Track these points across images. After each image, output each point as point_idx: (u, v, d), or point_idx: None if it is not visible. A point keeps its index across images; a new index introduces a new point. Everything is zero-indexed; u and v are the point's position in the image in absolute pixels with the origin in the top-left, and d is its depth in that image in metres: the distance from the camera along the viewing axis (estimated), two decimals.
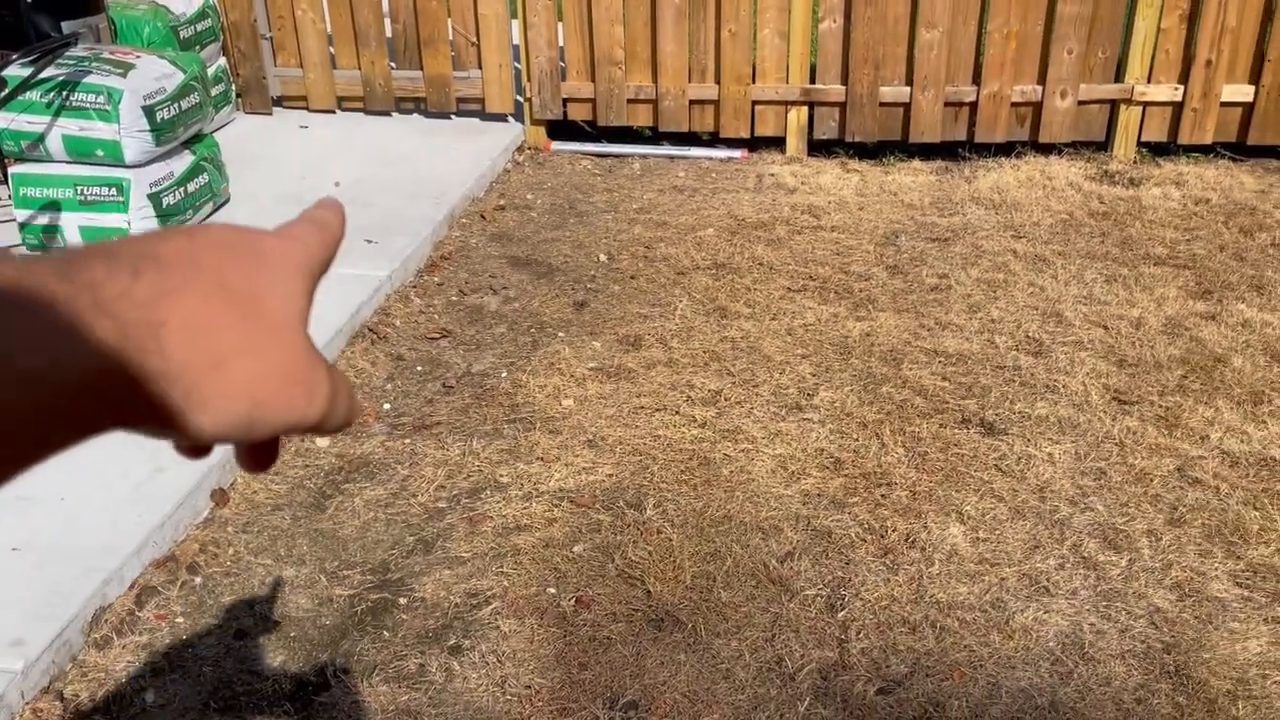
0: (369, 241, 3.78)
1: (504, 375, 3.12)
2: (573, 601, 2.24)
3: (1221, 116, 4.62)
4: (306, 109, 5.15)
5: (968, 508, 2.51)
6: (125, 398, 0.36)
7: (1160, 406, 2.89)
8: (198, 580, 2.29)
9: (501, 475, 2.65)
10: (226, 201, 4.06)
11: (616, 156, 4.95)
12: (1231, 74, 4.55)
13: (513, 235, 4.11)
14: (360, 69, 5.03)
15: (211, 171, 3.90)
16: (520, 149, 4.97)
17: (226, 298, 0.38)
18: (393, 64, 5.04)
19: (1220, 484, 2.57)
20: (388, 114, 5.15)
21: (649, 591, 2.26)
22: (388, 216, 4.00)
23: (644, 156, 4.95)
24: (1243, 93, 4.57)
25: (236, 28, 5.00)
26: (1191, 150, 4.74)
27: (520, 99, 5.02)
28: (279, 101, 5.19)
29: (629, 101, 4.87)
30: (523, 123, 5.02)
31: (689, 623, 2.18)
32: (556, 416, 2.90)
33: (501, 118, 5.10)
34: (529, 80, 4.88)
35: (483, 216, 4.26)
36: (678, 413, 2.91)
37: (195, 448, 0.41)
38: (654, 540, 2.42)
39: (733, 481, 2.63)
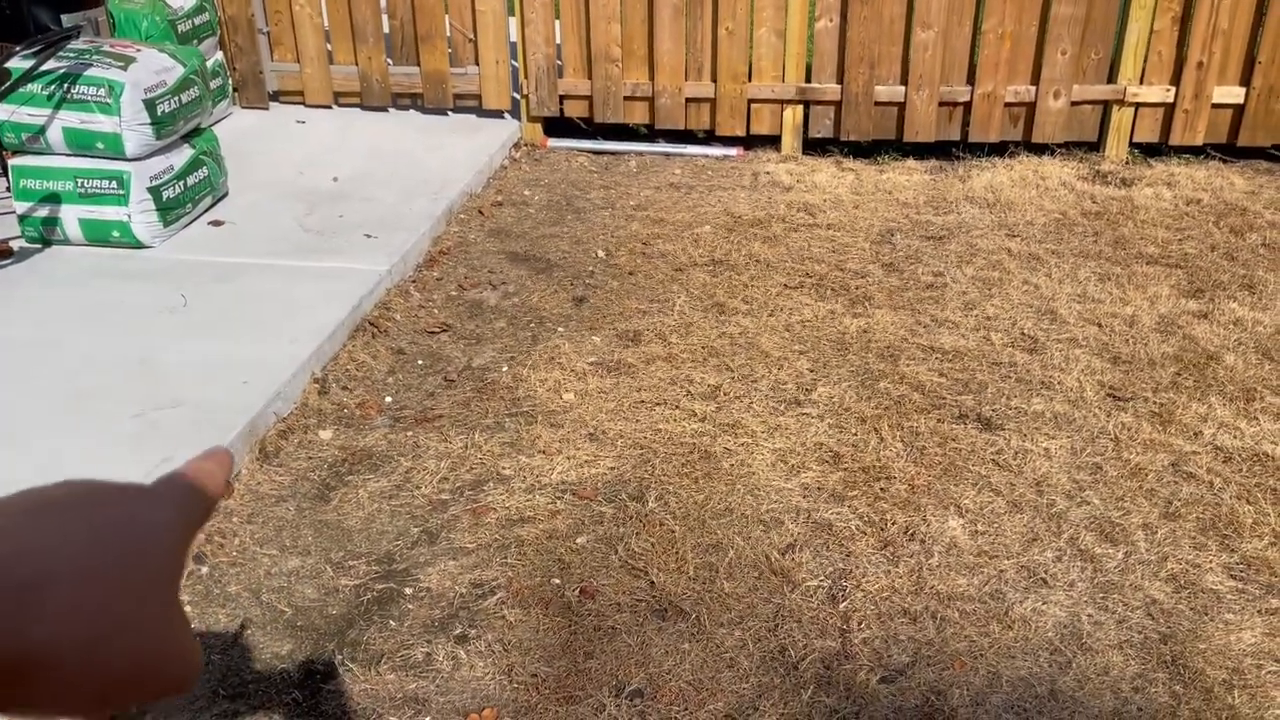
0: (368, 236, 3.79)
1: (505, 369, 3.13)
2: (577, 591, 2.26)
3: (1212, 118, 4.67)
4: (303, 104, 5.15)
5: (966, 501, 2.54)
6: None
7: (1154, 403, 2.93)
8: (204, 570, 2.30)
9: (504, 467, 2.67)
10: (225, 195, 4.07)
11: (613, 154, 4.97)
12: (1223, 76, 4.60)
13: (511, 231, 4.13)
14: (357, 64, 5.04)
15: (211, 165, 3.90)
16: (517, 146, 4.99)
17: (99, 580, 0.38)
18: (390, 60, 5.05)
19: (1214, 479, 2.60)
20: (385, 110, 5.16)
21: (653, 582, 2.29)
22: (386, 212, 4.01)
23: (640, 154, 4.97)
24: (1233, 94, 4.62)
25: (234, 22, 5.00)
26: (1183, 151, 4.79)
27: (517, 96, 5.04)
28: (276, 96, 5.19)
29: (625, 99, 4.89)
30: (519, 119, 5.04)
31: (693, 613, 2.20)
32: (558, 410, 2.92)
33: (498, 114, 5.12)
34: (526, 77, 4.90)
35: (481, 212, 4.28)
36: (678, 407, 2.93)
37: None
38: (656, 532, 2.44)
39: (733, 475, 2.65)
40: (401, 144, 4.77)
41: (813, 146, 4.97)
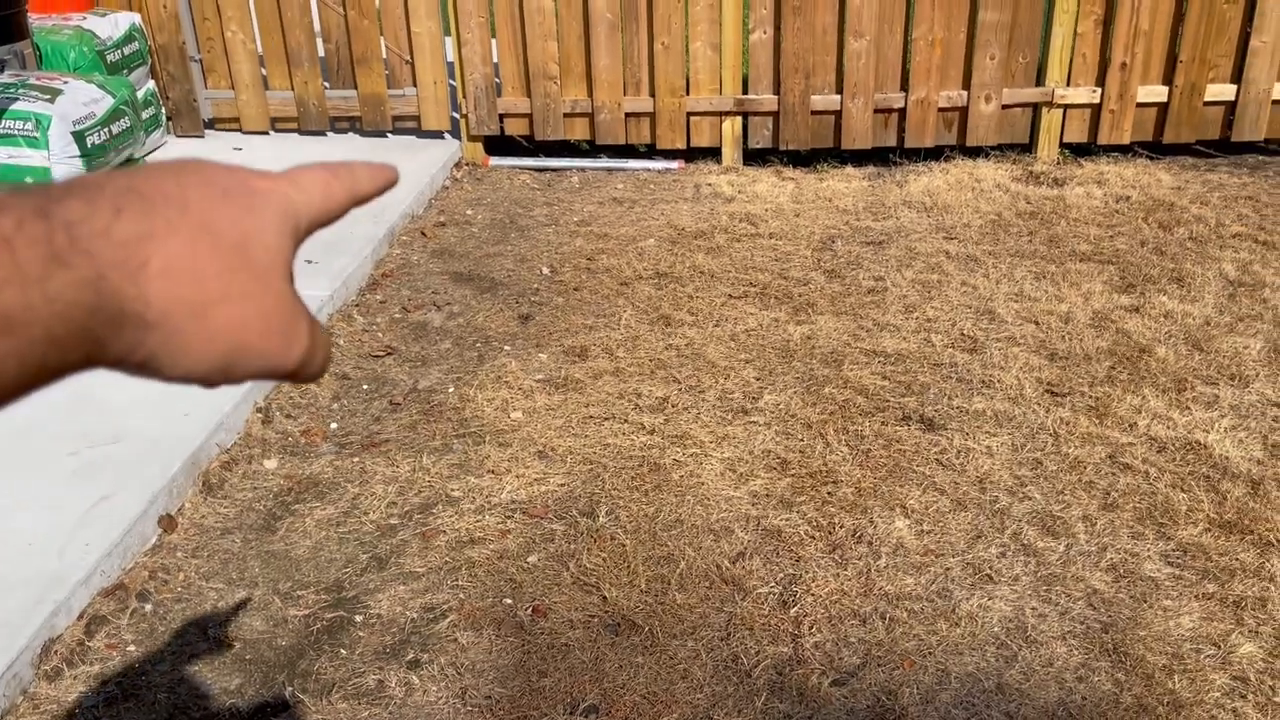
0: (309, 262, 3.75)
1: (451, 390, 3.12)
2: (530, 611, 2.26)
3: (1138, 117, 4.80)
4: (240, 131, 5.10)
5: (911, 501, 2.58)
6: (99, 340, 0.35)
7: (1090, 397, 3.00)
8: (148, 607, 2.26)
9: (453, 489, 2.66)
10: None
11: (555, 170, 4.99)
12: (1146, 75, 4.73)
13: (454, 251, 4.12)
14: (293, 89, 5.00)
15: None
16: (458, 165, 4.98)
17: (211, 243, 0.38)
18: (326, 84, 5.03)
19: (1149, 469, 2.67)
20: (323, 134, 5.13)
21: (605, 597, 2.29)
22: (327, 236, 3.98)
23: (582, 169, 4.99)
24: (1157, 93, 4.75)
25: (165, 50, 4.95)
26: (1111, 150, 4.91)
27: (457, 116, 5.04)
28: (211, 124, 5.13)
29: (565, 116, 4.91)
30: (460, 139, 5.03)
31: (645, 626, 2.21)
32: (506, 429, 2.91)
33: (438, 135, 5.11)
34: (465, 97, 4.90)
35: (423, 233, 4.27)
36: (626, 421, 2.94)
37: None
38: (608, 547, 2.45)
39: (683, 486, 2.67)
40: None
41: (753, 157, 5.02)
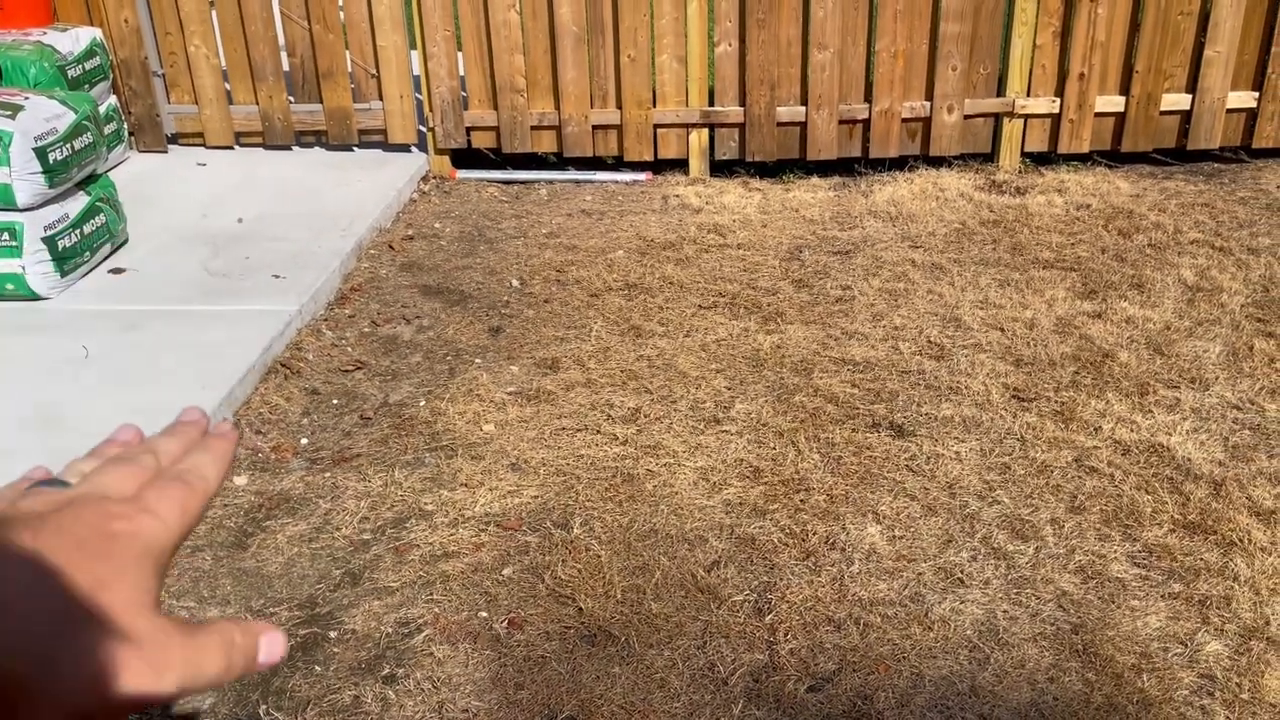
0: (277, 277, 3.73)
1: (422, 404, 3.11)
2: (505, 623, 2.26)
3: (1096, 126, 4.88)
4: (204, 146, 5.06)
5: (883, 507, 2.61)
6: None
7: (1056, 402, 3.04)
8: None
9: (426, 503, 2.65)
10: (125, 242, 3.97)
11: (523, 183, 4.99)
12: (1103, 86, 4.82)
13: (423, 264, 4.11)
14: (258, 104, 4.97)
15: (108, 212, 3.81)
16: (425, 178, 4.97)
17: (61, 598, 0.38)
18: (291, 98, 5.00)
19: (1115, 471, 2.71)
20: (288, 148, 5.10)
21: (581, 608, 2.29)
22: (294, 251, 3.96)
23: (550, 182, 5.00)
24: (1114, 103, 4.84)
25: (127, 65, 4.90)
26: (1071, 159, 4.99)
27: (423, 129, 5.03)
28: (174, 139, 5.09)
29: (533, 128, 4.92)
30: (427, 152, 5.03)
31: (622, 636, 2.21)
32: (478, 442, 2.91)
33: (405, 148, 5.10)
34: (431, 110, 4.89)
35: (391, 247, 4.25)
36: (599, 432, 2.95)
37: None
38: (583, 558, 2.45)
39: (657, 496, 2.67)
40: (307, 182, 4.72)
41: (720, 168, 5.05)
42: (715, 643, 2.20)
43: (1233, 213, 4.38)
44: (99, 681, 0.38)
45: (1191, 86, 4.80)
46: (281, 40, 4.93)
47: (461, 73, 4.90)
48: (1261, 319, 3.47)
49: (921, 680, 2.10)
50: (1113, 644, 2.16)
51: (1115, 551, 2.43)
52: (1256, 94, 4.81)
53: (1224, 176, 4.82)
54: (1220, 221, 4.30)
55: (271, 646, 0.45)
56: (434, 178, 4.99)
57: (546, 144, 4.99)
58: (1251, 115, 4.86)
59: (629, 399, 3.12)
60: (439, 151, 4.99)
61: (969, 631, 2.21)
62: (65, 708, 0.38)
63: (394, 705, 2.05)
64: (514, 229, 4.46)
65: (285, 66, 4.97)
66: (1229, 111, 4.83)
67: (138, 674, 0.39)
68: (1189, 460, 2.74)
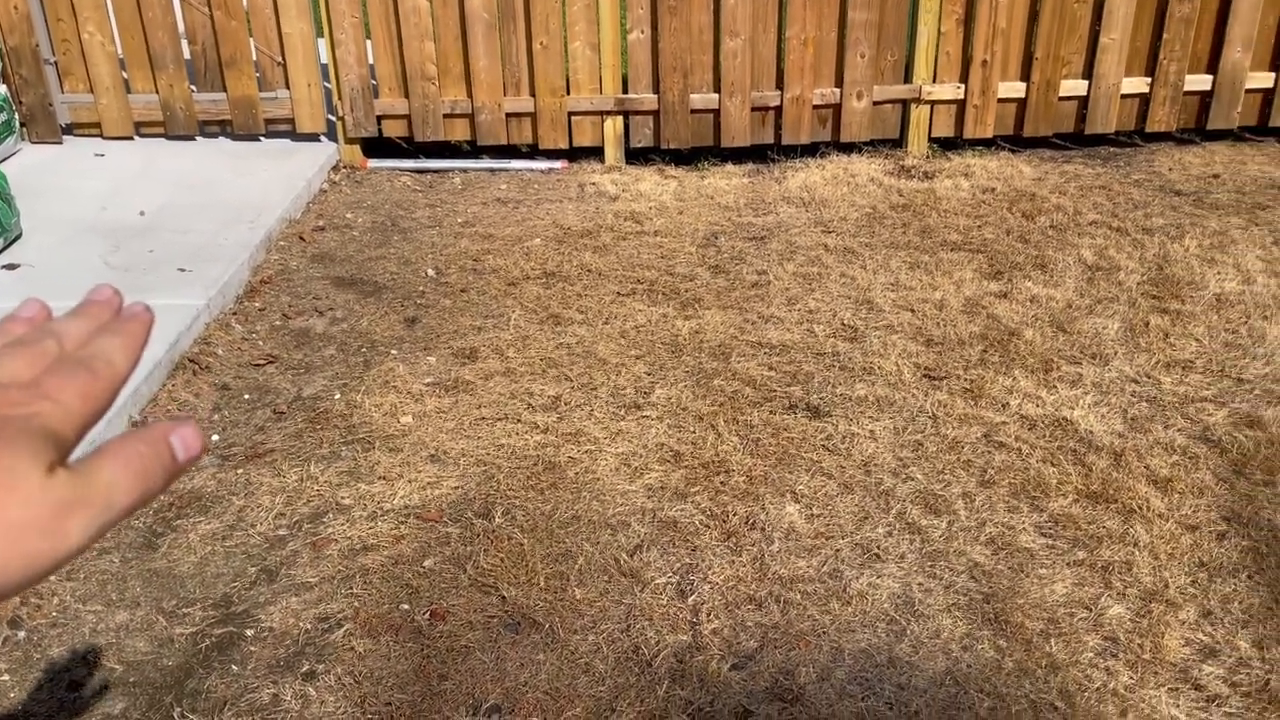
0: (182, 270, 3.62)
1: (337, 397, 3.06)
2: (428, 615, 2.23)
3: (1000, 111, 5.02)
4: (101, 136, 4.88)
5: (801, 487, 2.65)
6: None
7: (965, 380, 3.13)
8: (21, 635, 2.15)
9: (343, 497, 2.61)
10: (19, 237, 3.81)
11: (436, 172, 4.93)
12: (1005, 72, 4.96)
13: (335, 255, 4.03)
14: (158, 93, 4.81)
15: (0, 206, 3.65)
16: (336, 168, 4.88)
17: None
18: (194, 86, 4.85)
19: (1022, 445, 2.80)
20: (192, 138, 4.95)
21: (504, 597, 2.28)
22: (201, 243, 3.85)
23: (464, 170, 4.94)
24: (1016, 89, 4.98)
25: (16, 53, 4.69)
26: (976, 144, 5.13)
27: (333, 118, 4.93)
28: (69, 129, 4.90)
29: (445, 116, 4.86)
30: (337, 142, 4.93)
31: (546, 623, 2.21)
32: (396, 434, 2.87)
33: (314, 137, 4.99)
34: (340, 99, 4.79)
35: (302, 238, 4.16)
36: (519, 420, 2.93)
37: None
38: (505, 547, 2.44)
39: (579, 483, 2.67)
40: (212, 173, 4.59)
41: (636, 156, 5.06)
42: (639, 625, 2.21)
43: (1128, 194, 4.55)
44: None
45: (1088, 73, 4.97)
46: (182, 27, 4.77)
47: (370, 61, 4.81)
48: (1156, 296, 3.61)
49: (841, 654, 2.14)
50: (1022, 611, 2.23)
51: (1023, 523, 2.51)
52: (1149, 80, 4.99)
53: (1120, 160, 5.00)
54: (1117, 203, 4.46)
55: (187, 441, 0.42)
56: (345, 167, 4.90)
57: (460, 132, 4.93)
58: (1145, 100, 5.04)
59: (549, 387, 3.11)
60: (349, 141, 4.89)
61: (886, 605, 2.26)
62: None
63: (315, 702, 2.01)
64: (428, 218, 4.41)
65: (187, 54, 4.82)
66: (1123, 97, 5.01)
67: (30, 541, 0.37)
68: (1091, 433, 2.84)
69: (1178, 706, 1.99)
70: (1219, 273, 3.75)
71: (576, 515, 2.55)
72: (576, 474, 2.70)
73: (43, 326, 0.45)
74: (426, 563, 2.39)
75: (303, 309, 3.60)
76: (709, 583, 2.33)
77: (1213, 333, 3.35)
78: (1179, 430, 2.84)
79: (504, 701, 2.02)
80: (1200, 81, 5.00)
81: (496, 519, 2.53)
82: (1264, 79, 5.01)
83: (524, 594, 2.29)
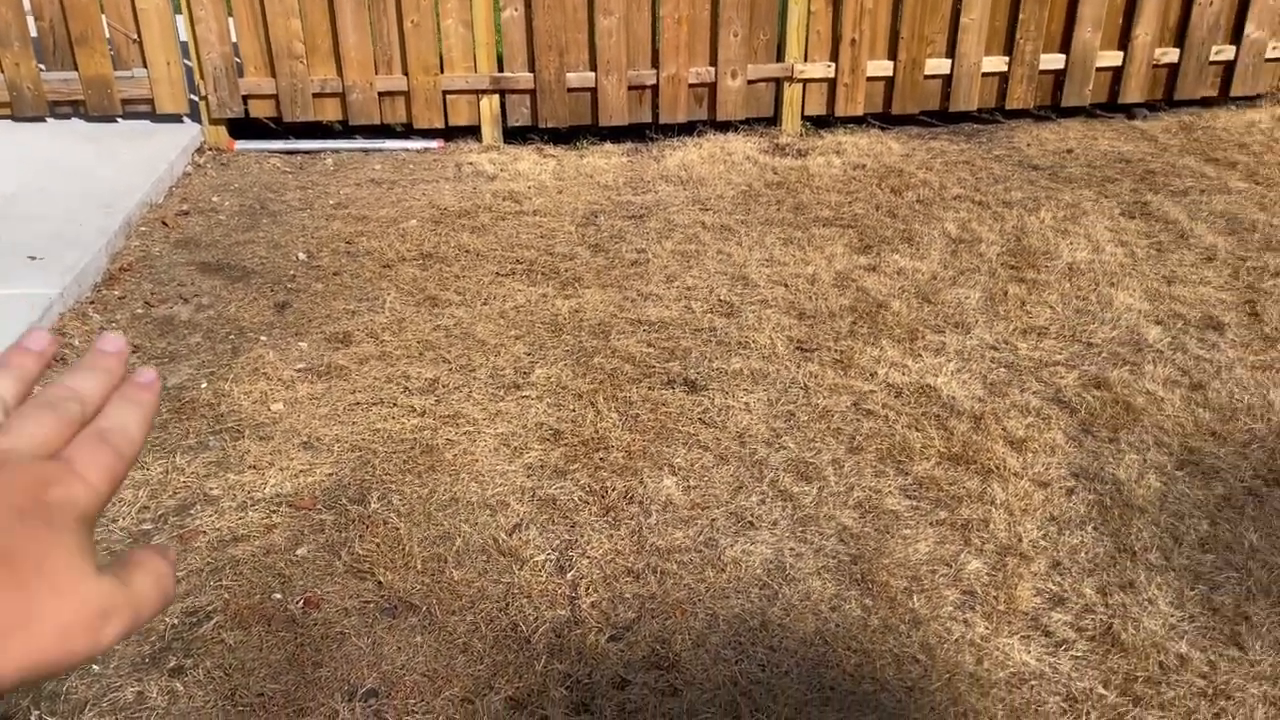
0: (33, 259, 3.45)
1: (204, 386, 2.97)
2: (301, 604, 2.20)
3: (869, 90, 5.15)
4: None
5: (678, 460, 2.69)
6: None
7: (836, 351, 3.22)
8: None
9: (211, 488, 2.54)
10: None
11: (307, 153, 4.80)
12: (873, 51, 5.09)
13: (200, 240, 3.90)
14: (3, 72, 4.55)
15: None
16: (201, 150, 4.70)
17: (4, 570, 0.38)
18: (42, 65, 4.60)
19: (888, 412, 2.91)
20: (42, 120, 4.70)
21: (380, 582, 2.26)
22: (53, 230, 3.67)
23: (337, 151, 4.83)
24: (884, 68, 5.12)
25: None
26: (848, 121, 5.25)
27: (195, 98, 4.75)
28: None
29: (315, 96, 4.73)
30: (201, 123, 4.75)
31: (423, 605, 2.20)
32: (266, 422, 2.80)
33: (177, 118, 4.80)
34: (203, 78, 4.62)
35: (164, 223, 4.01)
36: (395, 404, 2.90)
37: None
38: (381, 532, 2.41)
39: (457, 465, 2.66)
40: (66, 156, 4.37)
41: (514, 135, 5.02)
42: (518, 603, 2.22)
43: (990, 170, 4.74)
44: (42, 656, 0.38)
45: (951, 52, 5.14)
46: (27, 4, 4.52)
47: (235, 39, 4.65)
48: (1015, 266, 3.78)
49: (716, 620, 2.19)
50: (887, 571, 2.32)
51: (889, 486, 2.61)
52: (1007, 59, 5.19)
53: (982, 136, 5.20)
54: (979, 178, 4.64)
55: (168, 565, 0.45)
56: (210, 149, 4.73)
57: (331, 112, 4.81)
58: (1004, 79, 5.25)
59: (426, 370, 3.08)
60: (214, 121, 4.72)
61: (759, 571, 2.33)
62: (5, 683, 0.37)
63: (183, 697, 1.96)
64: (299, 201, 4.29)
65: (34, 31, 4.57)
66: (984, 75, 5.20)
67: (80, 639, 0.39)
68: (953, 398, 2.96)
69: (1029, 652, 2.10)
70: (1071, 243, 3.95)
71: (455, 497, 2.54)
72: (454, 456, 2.69)
73: (61, 386, 0.46)
74: (299, 551, 2.35)
75: (166, 296, 3.48)
76: (587, 557, 2.35)
77: (1065, 300, 3.53)
78: (1033, 393, 2.99)
79: (380, 685, 2.01)
80: (1054, 60, 5.23)
81: (372, 504, 2.50)
82: (1113, 58, 5.26)
83: (400, 578, 2.27)
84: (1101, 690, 2.02)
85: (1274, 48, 5.38)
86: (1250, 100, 5.48)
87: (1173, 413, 2.89)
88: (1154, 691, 2.02)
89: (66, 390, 0.45)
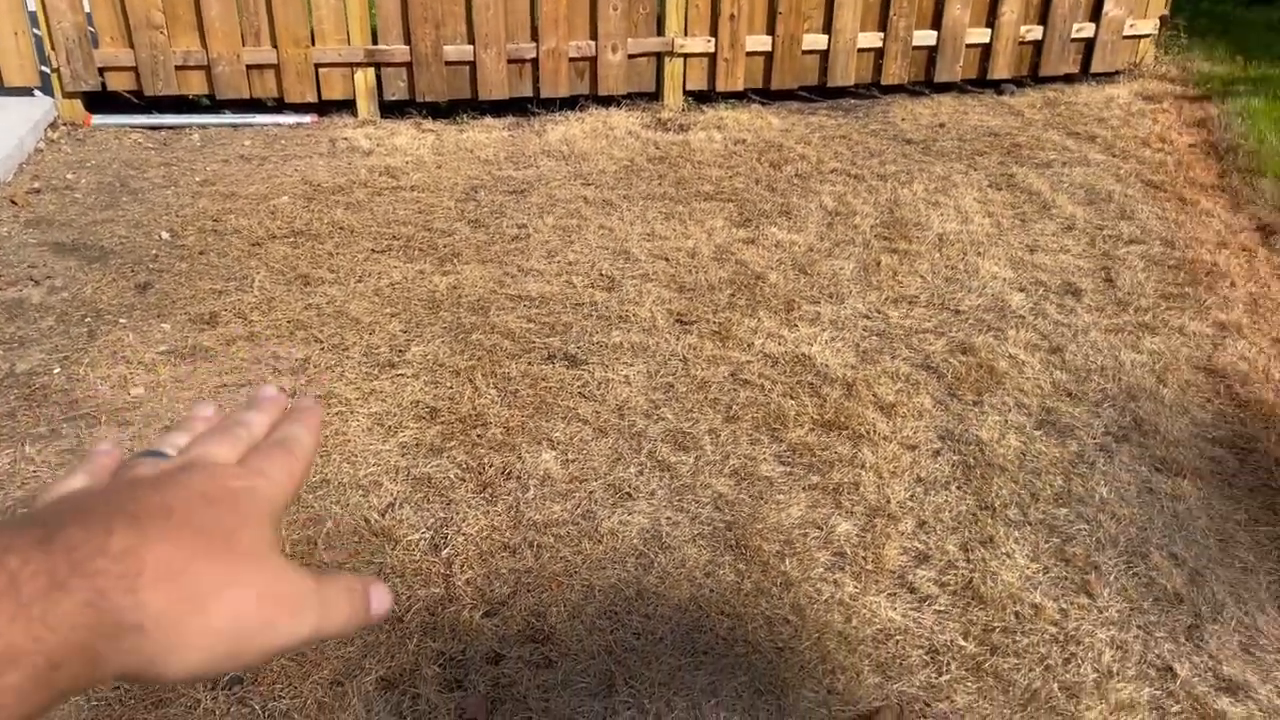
0: None
1: (57, 371, 2.83)
2: None
3: (749, 65, 5.20)
4: None
5: (557, 434, 2.68)
6: (97, 656, 0.36)
7: (714, 323, 3.25)
8: None
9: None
10: None
11: (172, 128, 4.60)
12: (752, 26, 5.13)
13: (53, 220, 3.70)
14: None
15: None
16: (54, 125, 4.46)
17: (200, 542, 0.40)
18: None
19: (764, 382, 2.95)
20: None
21: None
22: None
23: (204, 126, 4.64)
24: (763, 43, 5.17)
25: None
26: (729, 97, 5.29)
27: (47, 70, 4.50)
28: None
29: (178, 68, 4.54)
30: (53, 96, 4.50)
31: None
32: (125, 407, 2.69)
33: (27, 92, 4.54)
34: (54, 49, 4.38)
35: (13, 202, 3.79)
36: (264, 385, 2.81)
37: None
38: None
39: (328, 445, 2.60)
40: None
41: (391, 110, 4.91)
42: (391, 583, 2.18)
43: (866, 144, 4.83)
44: (237, 619, 0.39)
45: (828, 28, 5.22)
46: None
47: (87, 8, 4.41)
48: (888, 237, 3.87)
49: (592, 591, 2.20)
50: (760, 535, 2.36)
51: (764, 453, 2.65)
52: (882, 35, 5.30)
53: (859, 111, 5.30)
54: (856, 152, 4.73)
55: (380, 598, 0.46)
56: (65, 124, 4.49)
57: (196, 85, 4.62)
58: (880, 55, 5.36)
59: (297, 349, 2.99)
60: (68, 95, 4.48)
61: (636, 541, 2.34)
62: (213, 648, 0.39)
63: None
64: (162, 178, 4.12)
65: None
66: (860, 51, 5.30)
67: (277, 614, 0.41)
68: (826, 366, 3.02)
69: (894, 609, 2.17)
70: (942, 214, 4.06)
71: (325, 479, 2.48)
72: (325, 436, 2.62)
73: (230, 417, 0.49)
74: None
75: (15, 278, 3.29)
76: (463, 534, 2.33)
77: (935, 269, 3.63)
78: (904, 360, 3.07)
79: (244, 673, 1.95)
80: (927, 37, 5.36)
81: None
82: (981, 34, 5.42)
83: None
84: (961, 641, 2.10)
85: (1131, 25, 5.62)
86: (1109, 76, 5.72)
87: (1032, 375, 3.01)
88: (1010, 640, 2.10)
89: (234, 421, 0.49)
